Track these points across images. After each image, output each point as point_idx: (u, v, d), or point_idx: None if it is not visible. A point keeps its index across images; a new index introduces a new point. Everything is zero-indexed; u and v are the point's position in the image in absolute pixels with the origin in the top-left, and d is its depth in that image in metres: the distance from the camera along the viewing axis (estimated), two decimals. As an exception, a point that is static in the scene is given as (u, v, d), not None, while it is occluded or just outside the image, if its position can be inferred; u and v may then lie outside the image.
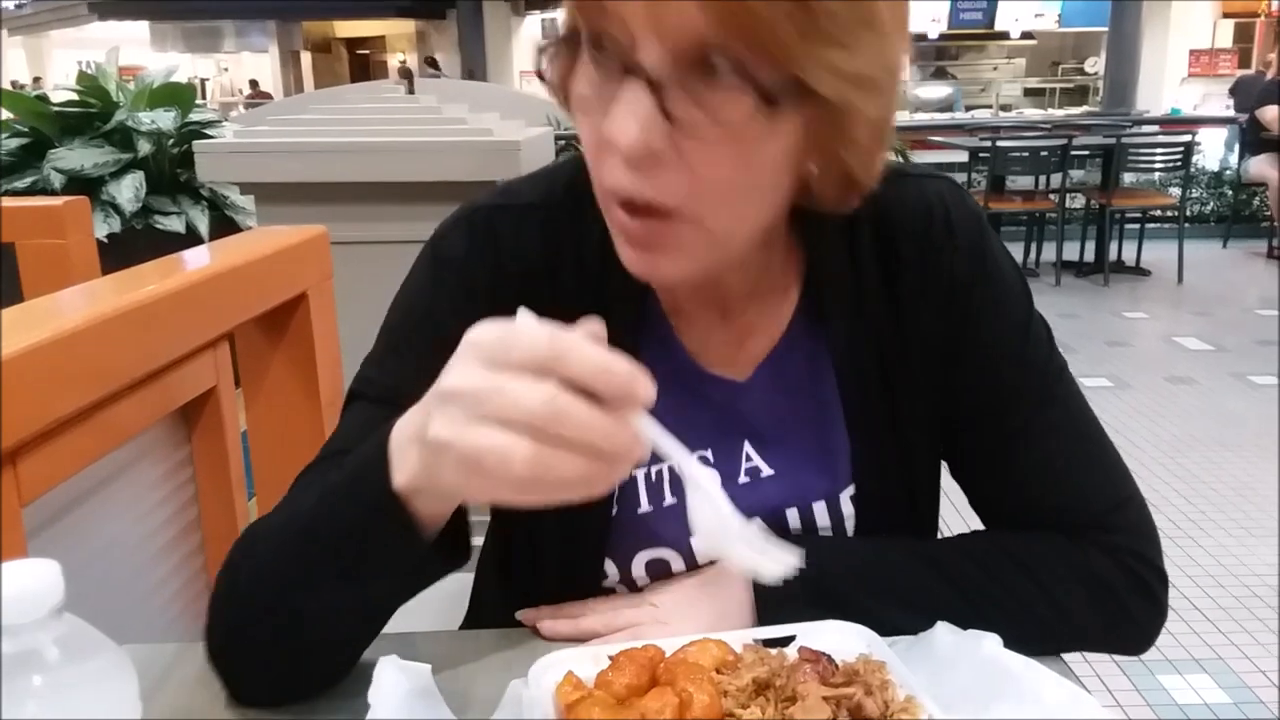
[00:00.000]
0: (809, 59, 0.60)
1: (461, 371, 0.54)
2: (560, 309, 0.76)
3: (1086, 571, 0.79)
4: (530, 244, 0.82)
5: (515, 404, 0.52)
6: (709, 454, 0.84)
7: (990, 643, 0.70)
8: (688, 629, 0.74)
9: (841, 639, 0.72)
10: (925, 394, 0.84)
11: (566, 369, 0.52)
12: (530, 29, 15.87)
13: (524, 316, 0.54)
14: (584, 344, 0.53)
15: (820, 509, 0.85)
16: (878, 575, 0.79)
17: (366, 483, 0.63)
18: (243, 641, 0.72)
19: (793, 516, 0.85)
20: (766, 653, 0.68)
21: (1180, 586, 2.91)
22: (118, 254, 1.50)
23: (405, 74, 14.69)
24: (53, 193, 3.42)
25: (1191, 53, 13.03)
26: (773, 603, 0.77)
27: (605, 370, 0.52)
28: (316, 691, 0.74)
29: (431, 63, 16.40)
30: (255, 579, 0.71)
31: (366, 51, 20.75)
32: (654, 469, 0.84)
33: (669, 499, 0.84)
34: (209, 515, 1.04)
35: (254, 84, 18.60)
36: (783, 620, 0.75)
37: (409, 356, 0.80)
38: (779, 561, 0.58)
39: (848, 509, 0.85)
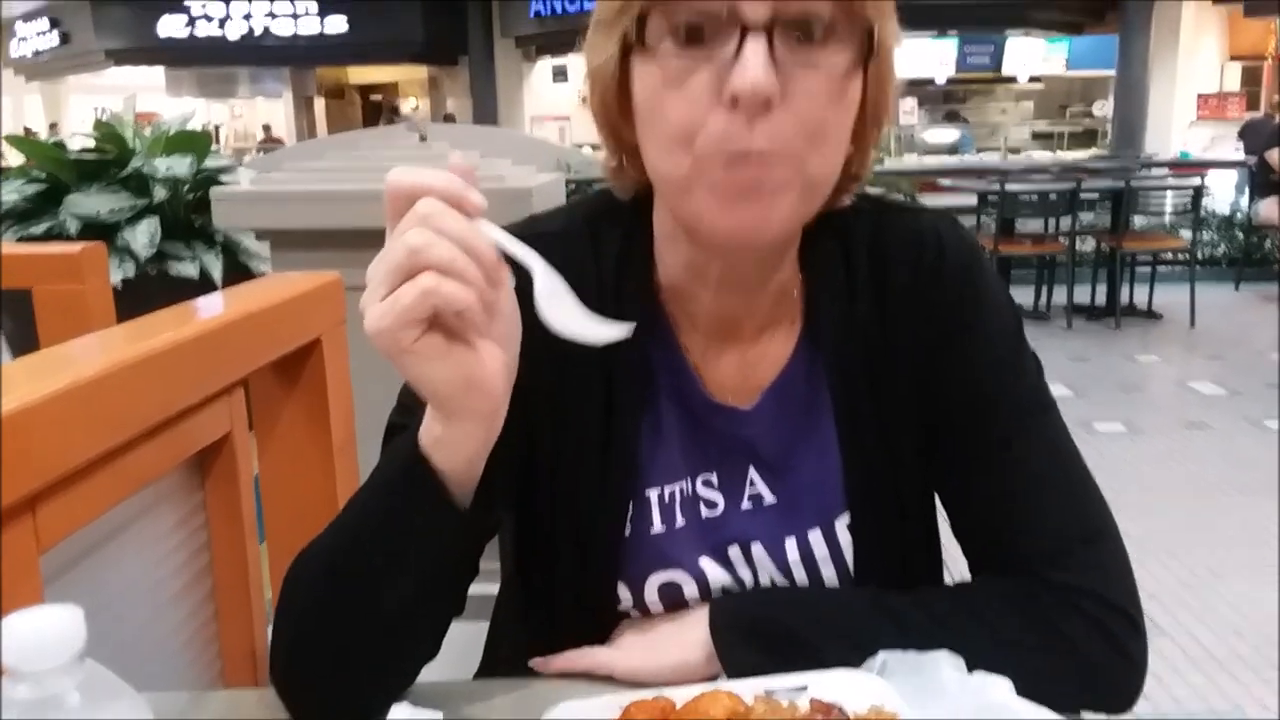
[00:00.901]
0: (879, 14, 0.73)
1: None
2: None
3: (1049, 627, 0.77)
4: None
5: (402, 226, 0.64)
6: (714, 478, 0.87)
7: (1000, 687, 0.69)
8: (638, 662, 0.80)
9: (853, 689, 0.71)
10: (914, 416, 0.85)
11: (416, 191, 0.64)
12: (541, 75, 16.05)
13: None
14: (406, 172, 0.65)
15: (816, 537, 0.86)
16: (834, 624, 0.79)
17: (398, 452, 0.73)
18: (308, 647, 0.74)
19: (791, 546, 0.86)
20: (777, 703, 0.68)
21: (1197, 635, 2.87)
22: (132, 299, 1.51)
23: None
24: (69, 238, 3.46)
25: (1200, 96, 13.06)
26: (728, 644, 0.79)
27: (438, 179, 0.65)
28: (386, 698, 0.74)
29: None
30: (312, 578, 0.75)
31: (379, 97, 20.99)
32: (668, 490, 0.86)
33: (680, 521, 0.86)
34: (220, 561, 1.04)
35: (267, 129, 18.82)
36: (736, 659, 0.78)
37: None
38: (607, 328, 0.69)
39: (844, 538, 0.86)
